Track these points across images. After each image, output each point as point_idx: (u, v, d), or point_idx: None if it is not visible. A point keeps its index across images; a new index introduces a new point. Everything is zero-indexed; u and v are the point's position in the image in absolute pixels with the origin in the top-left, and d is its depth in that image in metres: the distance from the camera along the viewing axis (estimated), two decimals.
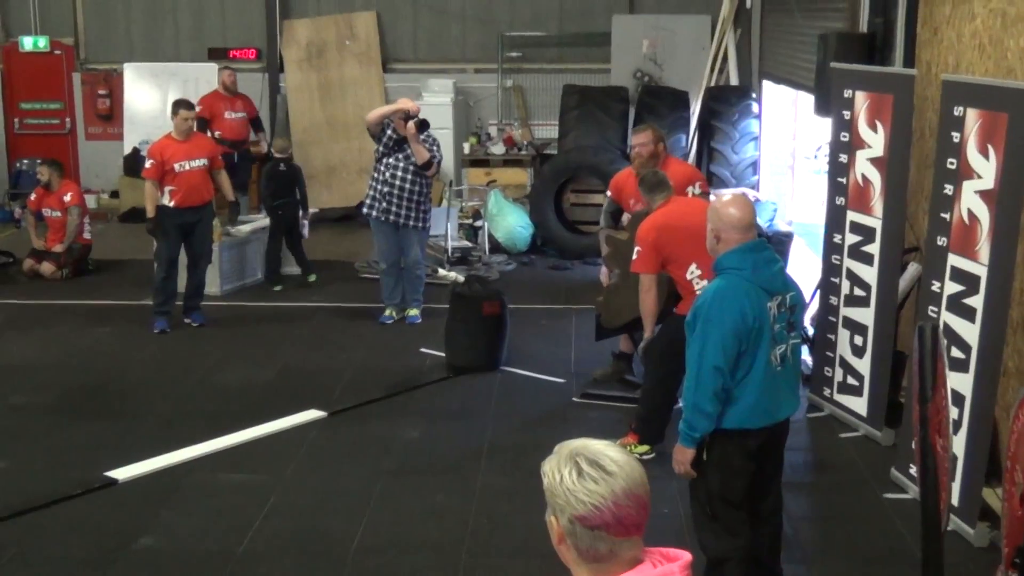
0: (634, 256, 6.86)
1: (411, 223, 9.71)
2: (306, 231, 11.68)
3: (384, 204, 9.65)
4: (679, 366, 4.93)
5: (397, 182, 9.58)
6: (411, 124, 9.44)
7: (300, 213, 11.48)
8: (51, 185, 12.04)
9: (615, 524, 2.30)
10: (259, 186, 12.39)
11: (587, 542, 2.33)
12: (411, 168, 9.58)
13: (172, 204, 9.68)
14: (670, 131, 12.88)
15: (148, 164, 9.76)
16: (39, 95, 15.86)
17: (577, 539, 2.33)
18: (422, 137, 9.55)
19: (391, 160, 9.61)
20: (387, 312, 10.05)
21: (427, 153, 9.56)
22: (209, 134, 13.24)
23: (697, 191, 7.80)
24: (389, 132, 9.59)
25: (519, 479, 6.54)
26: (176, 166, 9.66)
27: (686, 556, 2.39)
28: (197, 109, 10.42)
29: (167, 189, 9.68)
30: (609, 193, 8.40)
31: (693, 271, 6.63)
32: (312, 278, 11.50)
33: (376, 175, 9.72)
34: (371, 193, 9.76)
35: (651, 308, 6.86)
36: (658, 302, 6.88)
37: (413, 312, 9.99)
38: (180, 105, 9.93)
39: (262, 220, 11.78)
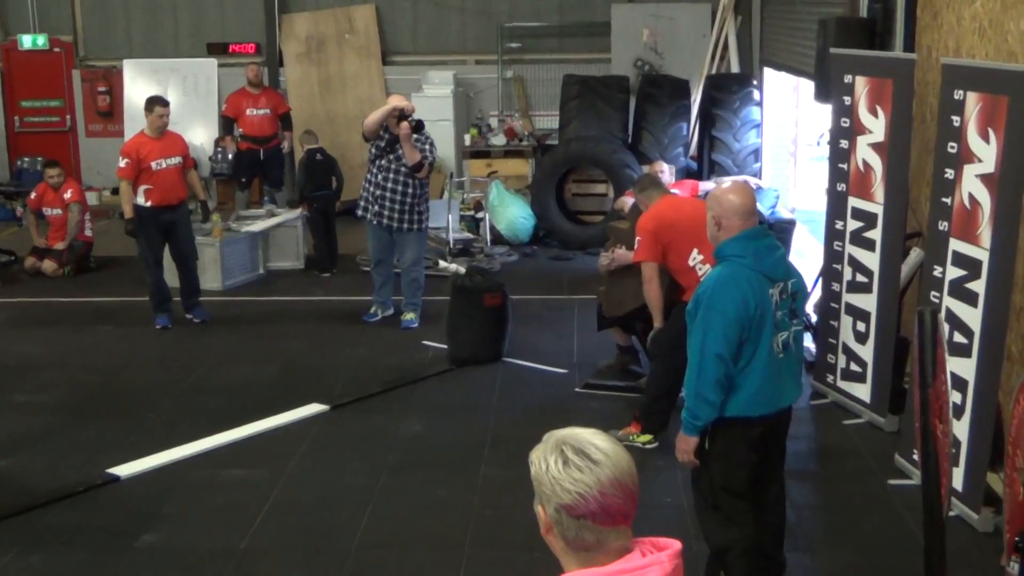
0: (635, 246, 6.89)
1: (404, 226, 9.45)
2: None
3: (376, 207, 9.42)
4: (685, 356, 4.91)
5: (389, 184, 9.33)
6: (404, 124, 9.14)
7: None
8: (59, 185, 12.04)
9: (601, 513, 2.28)
10: (296, 177, 12.41)
11: (573, 532, 2.31)
12: (403, 170, 9.31)
13: (149, 204, 9.52)
14: (671, 120, 12.88)
15: (123, 163, 9.49)
16: (39, 93, 15.87)
17: (563, 528, 2.31)
18: (415, 137, 9.27)
19: (382, 162, 9.36)
20: (372, 309, 9.94)
21: (418, 154, 9.25)
22: (235, 132, 13.39)
23: None
24: (382, 133, 9.36)
25: (522, 471, 6.38)
26: (153, 164, 9.49)
27: (676, 545, 2.37)
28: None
29: (142, 188, 9.50)
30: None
31: (695, 256, 6.66)
32: (326, 275, 11.67)
33: (368, 177, 9.51)
34: (364, 195, 9.55)
35: (655, 297, 6.90)
36: (661, 291, 6.89)
37: (409, 316, 9.70)
38: (155, 102, 9.71)
39: (270, 219, 11.89)
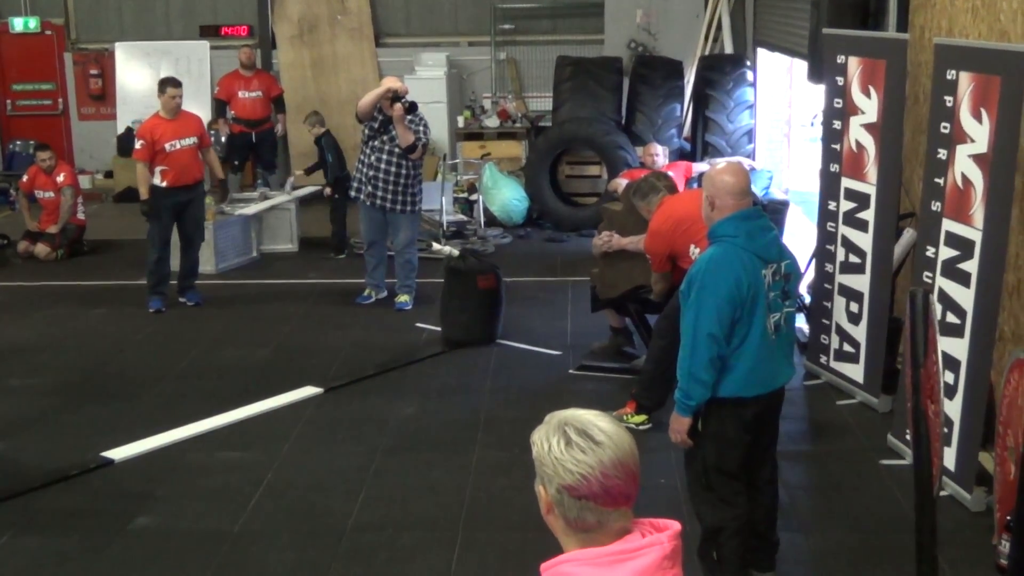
0: (649, 261, 7.11)
1: (398, 207, 9.46)
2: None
3: (369, 188, 9.43)
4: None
5: (382, 166, 9.34)
6: (398, 106, 9.13)
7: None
8: (51, 168, 12.00)
9: (603, 494, 2.28)
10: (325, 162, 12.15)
11: (575, 512, 2.30)
12: (396, 151, 9.30)
13: (165, 184, 9.57)
14: (664, 101, 12.86)
15: (138, 145, 9.59)
16: (31, 76, 15.83)
17: (565, 509, 2.31)
18: (409, 119, 9.26)
19: (376, 143, 9.36)
20: (366, 292, 9.94)
21: (412, 136, 9.24)
22: (227, 114, 13.38)
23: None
24: (376, 114, 9.34)
25: (516, 453, 6.53)
26: (167, 145, 9.53)
27: (675, 526, 2.37)
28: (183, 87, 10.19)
29: (158, 169, 9.55)
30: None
31: (693, 250, 6.70)
32: (341, 256, 11.68)
33: (362, 157, 9.51)
34: (357, 176, 9.56)
35: (660, 293, 7.15)
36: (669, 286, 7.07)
37: (403, 299, 9.72)
38: (167, 83, 9.75)
39: (263, 201, 11.85)
